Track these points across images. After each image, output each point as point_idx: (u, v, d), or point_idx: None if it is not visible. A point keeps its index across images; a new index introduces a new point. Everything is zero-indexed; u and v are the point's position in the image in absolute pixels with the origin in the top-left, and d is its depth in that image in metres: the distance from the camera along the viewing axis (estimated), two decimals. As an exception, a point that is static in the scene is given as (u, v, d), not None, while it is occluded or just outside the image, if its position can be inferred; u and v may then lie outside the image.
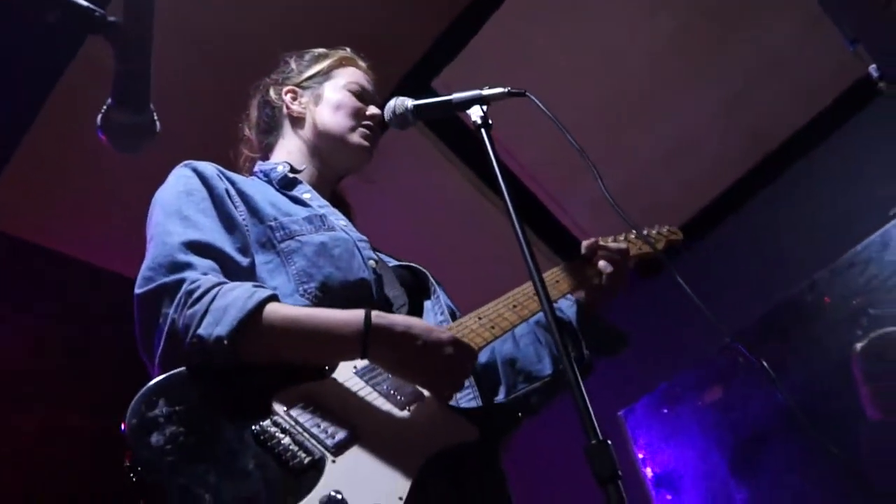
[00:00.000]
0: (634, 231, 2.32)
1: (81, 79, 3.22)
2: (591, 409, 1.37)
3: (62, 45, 3.12)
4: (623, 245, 2.23)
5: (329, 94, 2.18)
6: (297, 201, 1.99)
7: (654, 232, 2.49)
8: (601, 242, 2.20)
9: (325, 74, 2.22)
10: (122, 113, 1.29)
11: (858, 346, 3.65)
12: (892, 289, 3.63)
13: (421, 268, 2.13)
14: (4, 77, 3.17)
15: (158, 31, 1.27)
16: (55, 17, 1.15)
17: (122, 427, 1.36)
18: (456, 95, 1.87)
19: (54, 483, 4.21)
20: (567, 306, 2.14)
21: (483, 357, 2.07)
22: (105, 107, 1.29)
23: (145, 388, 1.44)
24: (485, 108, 1.81)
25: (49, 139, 3.47)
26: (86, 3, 1.18)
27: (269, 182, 2.04)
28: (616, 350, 2.15)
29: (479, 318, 1.85)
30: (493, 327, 1.83)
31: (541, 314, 2.01)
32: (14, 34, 2.75)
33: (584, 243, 2.21)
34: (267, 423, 1.44)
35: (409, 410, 1.60)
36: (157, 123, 1.32)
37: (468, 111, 1.82)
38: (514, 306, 1.92)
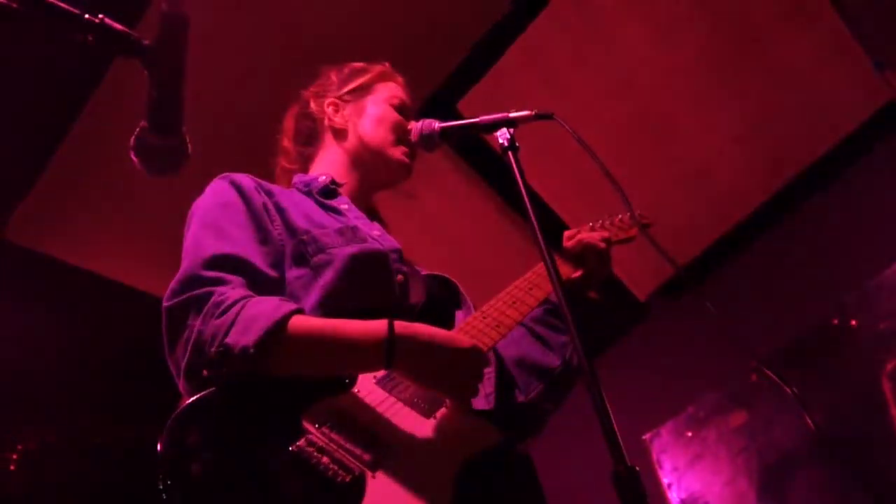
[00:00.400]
0: (607, 221, 2.38)
1: (111, 99, 3.26)
2: (617, 434, 1.36)
3: (95, 65, 3.15)
4: (604, 233, 2.21)
5: (371, 108, 2.17)
6: (334, 211, 1.98)
7: (622, 218, 2.47)
8: (583, 234, 2.19)
9: (367, 88, 2.21)
10: (155, 136, 1.29)
11: (890, 366, 3.62)
12: (921, 313, 3.61)
13: (451, 279, 2.12)
14: (37, 95, 3.21)
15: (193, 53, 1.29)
16: (92, 39, 1.16)
17: (159, 449, 1.36)
18: (483, 118, 1.87)
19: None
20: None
21: (494, 361, 2.06)
22: (138, 129, 1.30)
23: (178, 412, 1.43)
24: (511, 130, 1.81)
25: (78, 158, 3.51)
26: (122, 27, 1.20)
27: (309, 193, 2.03)
28: (614, 323, 2.13)
29: (484, 318, 1.84)
30: (497, 326, 1.82)
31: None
32: (49, 54, 2.78)
33: (567, 235, 2.20)
34: (302, 442, 1.42)
35: (434, 418, 1.59)
36: (189, 146, 1.33)
37: (495, 133, 1.82)
38: (514, 303, 1.91)
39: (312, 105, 2.22)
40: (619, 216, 2.43)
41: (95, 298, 4.14)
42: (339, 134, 2.18)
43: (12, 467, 4.40)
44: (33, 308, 4.04)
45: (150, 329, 1.78)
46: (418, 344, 1.59)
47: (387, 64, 2.29)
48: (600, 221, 2.37)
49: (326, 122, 2.19)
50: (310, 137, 2.22)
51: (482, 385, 1.82)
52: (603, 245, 2.15)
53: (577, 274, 2.13)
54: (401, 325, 1.59)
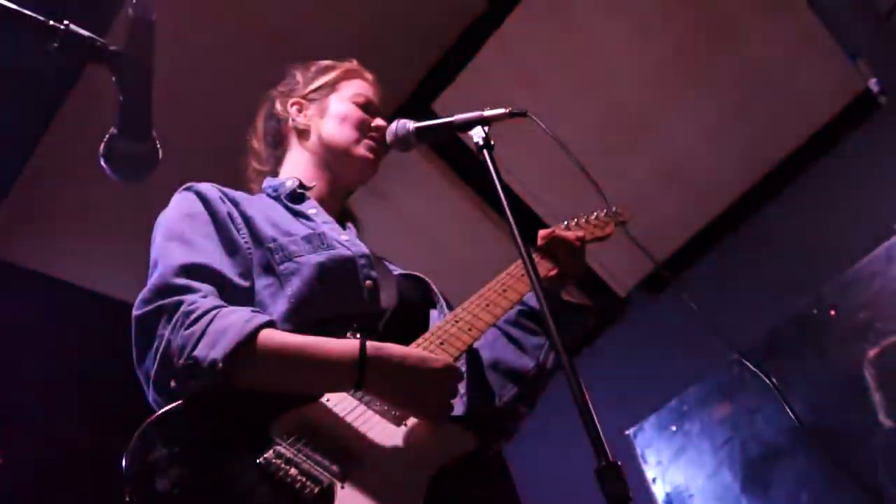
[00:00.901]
0: (584, 220, 2.34)
1: (82, 106, 3.24)
2: (600, 430, 1.36)
3: (63, 73, 3.13)
4: (580, 232, 2.17)
5: (335, 106, 2.16)
6: (302, 216, 1.97)
7: (600, 214, 2.44)
8: (558, 233, 2.14)
9: (332, 86, 2.20)
10: (125, 142, 1.29)
11: (871, 352, 3.64)
12: (900, 302, 3.63)
13: (424, 277, 2.11)
14: (7, 103, 3.18)
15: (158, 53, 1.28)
16: (57, 46, 1.15)
17: (124, 465, 1.34)
18: (457, 117, 1.86)
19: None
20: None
21: (467, 365, 2.05)
22: (107, 136, 1.29)
23: (142, 428, 1.41)
24: (486, 129, 1.80)
25: (50, 166, 3.48)
26: (87, 33, 1.19)
27: (277, 197, 2.02)
28: (590, 324, 2.11)
29: (457, 321, 1.82)
30: (470, 329, 1.80)
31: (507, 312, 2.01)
32: (16, 62, 2.76)
33: (542, 234, 2.15)
34: (270, 454, 1.40)
35: (405, 426, 1.57)
36: (160, 151, 1.33)
37: (470, 132, 1.81)
38: (487, 305, 1.88)
39: (278, 105, 2.22)
40: (596, 213, 2.41)
41: (70, 307, 4.12)
42: (303, 134, 2.17)
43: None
44: (4, 318, 4.01)
45: (120, 334, 1.77)
46: (390, 366, 1.58)
47: (354, 61, 2.28)
48: (575, 220, 2.34)
49: (290, 122, 2.18)
50: (277, 139, 2.21)
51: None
52: (577, 243, 2.12)
53: (552, 272, 2.10)
54: (372, 347, 1.57)
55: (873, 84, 2.35)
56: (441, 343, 1.72)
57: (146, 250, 1.79)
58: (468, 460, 1.58)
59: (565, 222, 2.33)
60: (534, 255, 2.08)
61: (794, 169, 4.26)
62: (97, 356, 3.81)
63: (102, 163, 1.30)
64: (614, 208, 2.40)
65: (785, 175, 4.28)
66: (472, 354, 2.01)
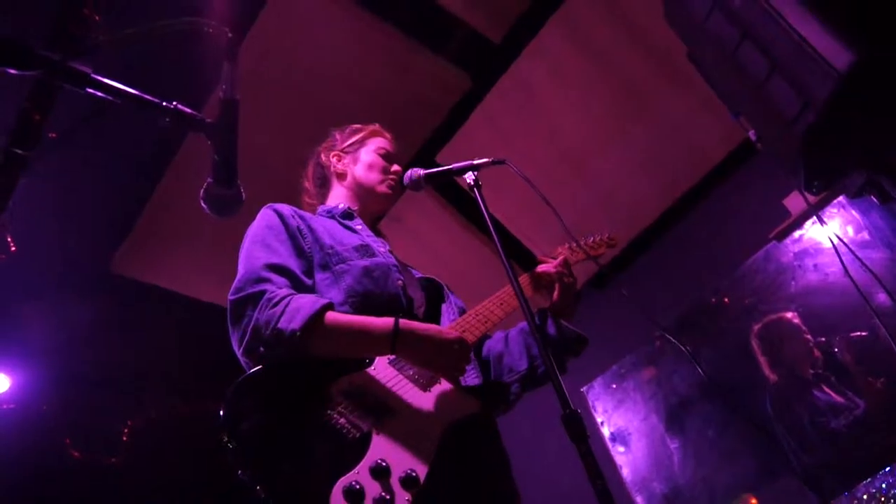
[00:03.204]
0: (578, 243, 2.23)
1: (187, 163, 3.25)
2: (563, 386, 1.36)
3: (174, 138, 3.15)
4: (559, 259, 2.10)
5: (364, 157, 2.16)
6: (351, 230, 1.97)
7: (597, 238, 2.39)
8: (539, 270, 2.09)
9: (361, 142, 2.20)
10: (217, 188, 1.29)
11: (756, 327, 3.64)
12: (775, 290, 3.63)
13: (437, 280, 2.11)
14: (130, 159, 3.19)
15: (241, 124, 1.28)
16: (169, 121, 1.16)
17: (221, 414, 1.35)
18: (454, 165, 1.87)
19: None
20: (549, 324, 2.03)
21: (483, 352, 2.05)
22: (205, 184, 1.30)
23: (234, 385, 1.43)
24: (475, 173, 1.82)
25: (164, 207, 3.49)
26: (190, 111, 1.19)
27: (333, 217, 2.02)
28: (579, 350, 2.03)
29: (477, 315, 1.84)
30: (485, 321, 1.82)
31: (524, 323, 2.00)
32: (140, 129, 2.77)
33: (540, 269, 2.09)
34: (327, 407, 1.42)
35: (430, 391, 1.58)
36: (243, 194, 1.33)
37: (464, 176, 1.83)
38: (501, 304, 1.90)
39: (322, 157, 2.22)
40: (593, 238, 2.37)
41: (178, 311, 4.12)
42: (341, 177, 2.16)
43: (124, 438, 4.36)
44: (134, 322, 4.01)
45: (219, 330, 1.77)
46: (416, 336, 1.60)
47: (377, 124, 2.28)
48: (575, 243, 2.25)
49: (332, 169, 2.18)
50: (323, 180, 2.21)
51: (473, 368, 1.82)
52: (555, 271, 2.05)
53: (548, 303, 2.06)
54: (404, 322, 1.60)
55: (752, 134, 2.34)
56: (463, 331, 1.73)
57: (233, 266, 1.79)
58: (473, 420, 1.59)
59: (568, 245, 2.27)
60: (530, 280, 2.06)
61: (697, 196, 4.26)
62: (200, 345, 3.82)
63: (202, 203, 1.30)
64: (607, 234, 2.39)
65: (691, 199, 4.28)
66: (487, 348, 2.03)
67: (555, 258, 2.12)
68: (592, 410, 4.25)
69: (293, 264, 1.73)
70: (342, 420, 1.41)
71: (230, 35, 1.19)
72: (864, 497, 2.59)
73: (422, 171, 1.93)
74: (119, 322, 3.93)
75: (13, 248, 3.06)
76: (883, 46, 1.46)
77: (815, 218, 3.36)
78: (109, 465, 4.28)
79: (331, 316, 1.57)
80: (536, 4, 3.61)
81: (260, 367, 1.48)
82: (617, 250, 2.53)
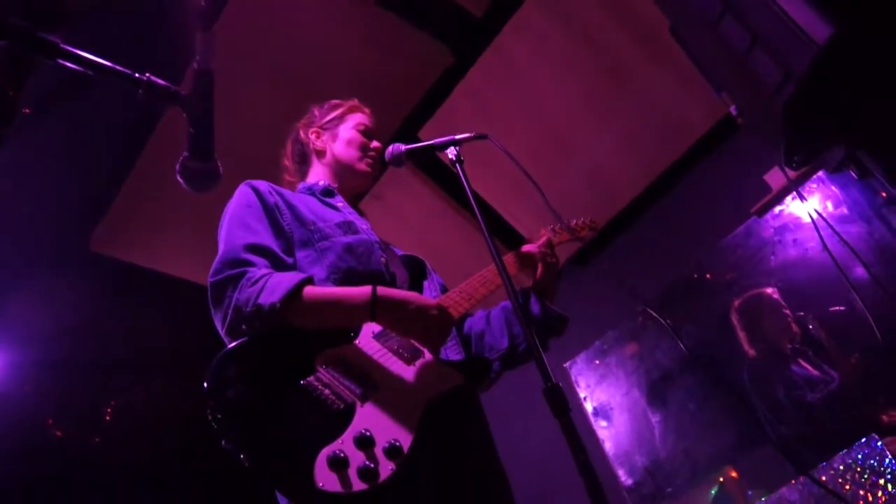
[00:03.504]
0: (562, 224, 2.25)
1: (165, 138, 3.21)
2: (546, 361, 1.37)
3: (152, 113, 3.10)
4: (543, 239, 2.14)
5: (343, 133, 2.13)
6: (333, 207, 1.95)
7: (580, 221, 2.41)
8: (524, 249, 2.12)
9: (340, 118, 2.17)
10: (194, 162, 1.28)
11: (736, 302, 3.68)
12: (755, 265, 3.67)
13: (420, 257, 2.11)
14: (111, 138, 3.15)
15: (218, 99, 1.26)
16: (144, 93, 1.14)
17: (204, 385, 1.36)
18: (436, 140, 1.85)
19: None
20: (532, 302, 2.05)
21: (464, 330, 2.06)
22: (181, 158, 1.28)
23: (219, 355, 1.43)
24: (457, 148, 1.80)
25: (141, 185, 3.45)
26: (164, 82, 1.17)
27: (312, 193, 2.00)
28: (561, 330, 2.04)
29: (460, 292, 1.85)
30: (469, 298, 1.83)
31: (506, 302, 2.02)
32: (114, 105, 2.72)
33: (523, 249, 2.13)
34: (311, 378, 1.43)
35: (414, 365, 1.59)
36: (220, 168, 1.31)
37: (446, 151, 1.81)
38: (483, 282, 1.90)
39: (301, 133, 2.19)
40: (575, 221, 2.37)
41: (158, 290, 4.09)
42: (320, 154, 2.14)
43: (107, 418, 4.35)
44: (115, 301, 3.98)
45: (200, 309, 1.76)
46: (394, 302, 1.60)
47: (355, 100, 2.25)
48: (560, 224, 2.27)
49: (311, 145, 2.15)
50: (302, 157, 2.18)
51: (455, 343, 1.82)
52: (539, 252, 2.08)
53: (530, 282, 2.08)
54: (382, 289, 1.60)
55: (733, 110, 2.35)
56: (447, 306, 1.73)
57: (213, 242, 1.78)
58: (456, 393, 1.59)
59: (552, 226, 2.28)
60: (514, 258, 2.07)
61: (679, 171, 4.28)
62: (171, 327, 3.81)
63: (178, 178, 1.29)
64: (590, 217, 2.39)
65: (673, 176, 4.30)
66: (469, 324, 2.04)
67: (538, 239, 2.13)
68: (575, 386, 4.29)
69: (272, 243, 1.72)
70: (326, 391, 1.41)
71: (202, 3, 1.16)
72: (841, 468, 2.64)
73: (403, 147, 1.91)
74: (100, 301, 3.89)
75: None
76: (862, 19, 1.46)
77: (795, 193, 3.39)
78: (92, 445, 4.27)
79: (310, 289, 1.57)
80: (518, -22, 3.58)
81: (244, 338, 1.48)
82: (600, 223, 2.53)
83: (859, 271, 2.99)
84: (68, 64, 1.04)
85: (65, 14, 0.97)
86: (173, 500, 4.39)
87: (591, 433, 4.12)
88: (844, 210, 3.27)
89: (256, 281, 1.55)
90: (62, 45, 1.00)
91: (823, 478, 2.65)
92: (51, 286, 3.72)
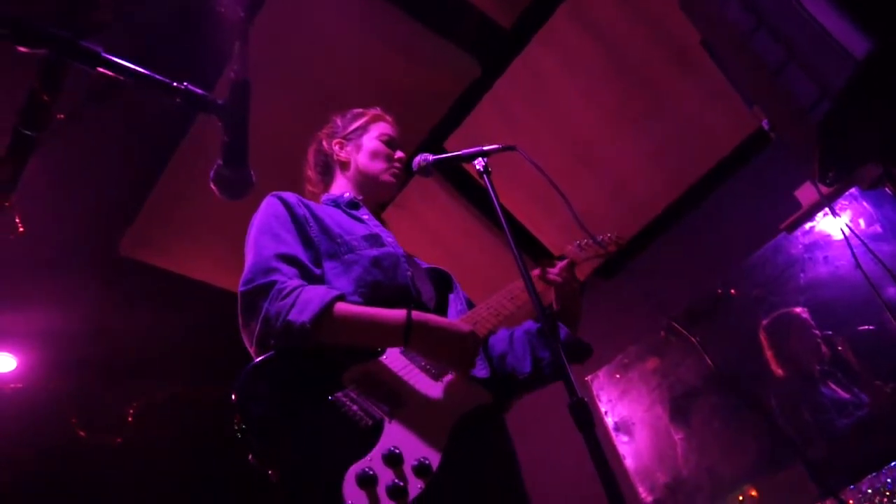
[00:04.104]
0: (589, 238, 2.18)
1: (196, 144, 3.24)
2: (571, 376, 1.36)
3: (184, 119, 3.13)
4: (563, 263, 2.03)
5: (366, 144, 2.12)
6: (358, 220, 1.94)
7: (606, 237, 2.36)
8: (550, 274, 2.01)
9: (364, 128, 2.15)
10: (227, 170, 1.28)
11: (764, 321, 3.63)
12: (784, 282, 3.61)
13: (445, 270, 2.09)
14: (143, 143, 3.19)
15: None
16: (179, 101, 1.15)
17: (233, 397, 1.35)
18: (464, 151, 1.84)
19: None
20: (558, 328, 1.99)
21: (487, 347, 2.03)
22: (215, 166, 1.29)
23: (248, 368, 1.42)
24: (485, 160, 1.79)
25: (172, 190, 3.49)
26: (201, 91, 1.18)
27: (338, 206, 1.99)
28: (582, 360, 1.98)
29: (488, 307, 1.83)
30: (497, 314, 1.81)
31: (529, 324, 2.00)
32: (148, 110, 2.75)
33: (549, 271, 2.03)
34: (340, 394, 1.42)
35: (442, 382, 1.58)
36: (253, 176, 1.32)
37: (473, 163, 1.80)
38: (511, 298, 1.88)
39: (324, 144, 2.17)
40: (601, 237, 2.31)
41: (185, 295, 4.13)
42: (344, 165, 2.12)
43: (129, 419, 4.39)
44: (141, 305, 4.02)
45: (224, 314, 1.76)
46: (428, 329, 1.58)
47: (378, 108, 2.23)
48: (584, 240, 2.22)
49: (335, 157, 2.13)
50: (325, 168, 2.16)
51: (481, 360, 1.81)
52: (559, 279, 1.98)
53: (556, 308, 2.01)
54: (416, 315, 1.58)
55: (765, 124, 2.32)
56: (475, 323, 1.72)
57: (241, 249, 1.78)
58: (483, 411, 1.59)
59: (577, 242, 2.23)
60: (538, 277, 2.00)
61: (707, 186, 4.23)
62: (207, 329, 3.83)
63: (212, 185, 1.29)
64: (616, 233, 2.36)
65: (701, 191, 4.26)
66: (493, 342, 2.01)
67: (562, 258, 2.08)
68: (597, 400, 4.25)
69: (301, 254, 1.71)
70: (355, 407, 1.40)
71: (242, 15, 1.17)
72: (869, 491, 2.58)
73: (430, 157, 1.90)
74: (126, 305, 3.94)
75: (21, 229, 3.07)
76: (902, 35, 1.44)
77: (826, 209, 3.33)
78: (114, 445, 4.31)
79: (341, 307, 1.55)
80: (547, -10, 3.58)
81: (272, 352, 1.47)
82: (626, 238, 2.50)
83: (892, 291, 2.93)
84: (108, 72, 1.06)
85: (102, 24, 0.98)
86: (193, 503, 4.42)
87: (612, 448, 4.07)
88: (878, 228, 3.21)
89: (288, 294, 1.54)
90: (103, 55, 1.02)
91: (851, 501, 2.60)
92: (78, 289, 3.77)
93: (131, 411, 4.38)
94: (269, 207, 1.83)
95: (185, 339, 4.24)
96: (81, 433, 4.23)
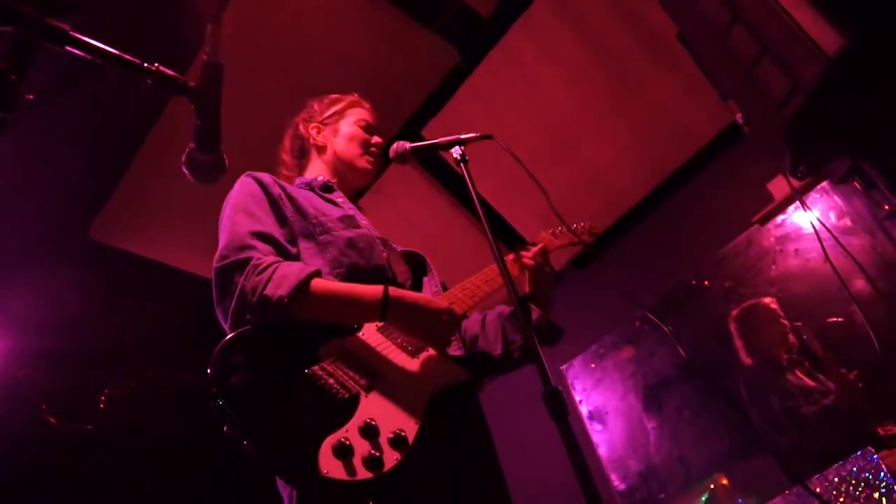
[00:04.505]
0: (563, 227, 2.23)
1: (168, 128, 3.20)
2: (545, 364, 1.37)
3: (155, 102, 3.08)
4: (537, 248, 2.10)
5: (343, 129, 2.12)
6: (332, 203, 1.94)
7: (580, 226, 2.40)
8: (527, 260, 2.07)
9: (341, 113, 2.15)
10: (199, 153, 1.27)
11: (735, 311, 3.68)
12: (755, 274, 3.66)
13: (420, 253, 2.10)
14: (114, 126, 3.14)
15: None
16: (150, 83, 1.13)
17: (209, 371, 1.35)
18: (441, 139, 1.84)
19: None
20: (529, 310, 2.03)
21: (459, 332, 2.04)
22: (187, 149, 1.27)
23: (224, 341, 1.42)
24: (462, 148, 1.79)
25: (144, 173, 3.44)
26: (173, 73, 1.17)
27: (311, 189, 1.98)
28: (554, 341, 2.04)
29: (463, 289, 1.85)
30: (472, 296, 1.83)
31: (501, 308, 2.04)
32: (120, 93, 2.71)
33: (523, 255, 2.09)
34: (316, 367, 1.42)
35: (418, 358, 1.59)
36: (226, 160, 1.31)
37: (450, 150, 1.80)
38: (486, 280, 1.91)
39: (301, 128, 2.16)
40: (576, 225, 2.34)
41: (157, 280, 4.09)
42: (321, 150, 2.12)
43: (101, 406, 4.34)
44: (112, 291, 3.97)
45: (199, 300, 1.75)
46: (405, 304, 1.60)
47: (356, 94, 2.23)
48: (560, 228, 2.25)
49: (311, 141, 2.13)
50: (301, 152, 2.16)
51: (456, 340, 1.82)
52: (532, 262, 2.04)
53: (527, 290, 2.06)
54: (393, 290, 1.59)
55: (739, 118, 2.35)
56: (451, 303, 1.73)
57: (212, 235, 1.77)
58: (458, 387, 1.60)
59: (552, 230, 2.26)
60: (514, 262, 2.05)
61: (681, 178, 4.28)
62: (178, 314, 3.80)
63: (184, 169, 1.28)
64: (589, 223, 2.38)
65: (675, 182, 4.31)
66: (466, 325, 2.03)
67: (535, 244, 2.11)
68: (571, 389, 4.29)
69: (276, 232, 1.71)
70: (331, 380, 1.41)
71: (215, -5, 1.16)
72: (836, 480, 2.64)
73: (408, 145, 1.90)
74: (98, 290, 3.88)
75: (-12, 213, 3.01)
76: (873, 31, 1.46)
77: (798, 203, 3.38)
78: (85, 433, 4.27)
79: (318, 282, 1.55)
80: (527, -22, 3.58)
81: (248, 326, 1.47)
82: (600, 229, 2.52)
83: (860, 284, 2.99)
84: (77, 51, 1.04)
85: (76, 3, 0.96)
86: (167, 491, 4.39)
87: (586, 437, 4.12)
88: (848, 221, 3.27)
89: (265, 269, 1.53)
90: (71, 33, 1.00)
91: (818, 489, 2.66)
92: (48, 275, 3.71)
93: (102, 398, 4.33)
94: (243, 186, 1.82)
95: (161, 326, 4.20)
96: (51, 420, 4.17)
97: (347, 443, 1.30)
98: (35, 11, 0.95)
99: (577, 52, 3.83)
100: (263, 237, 1.66)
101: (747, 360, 3.57)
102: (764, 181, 3.56)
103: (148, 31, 2.62)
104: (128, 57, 1.10)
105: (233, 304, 1.52)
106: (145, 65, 1.13)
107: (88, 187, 3.50)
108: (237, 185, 1.84)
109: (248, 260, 1.56)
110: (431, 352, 1.62)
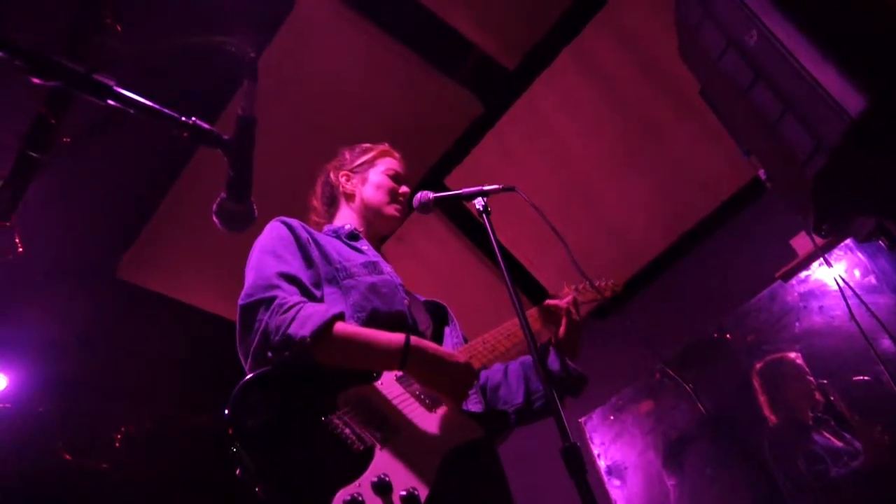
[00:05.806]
0: (589, 283, 2.25)
1: (196, 176, 3.27)
2: (564, 419, 1.36)
3: (184, 151, 3.16)
4: (570, 297, 2.12)
5: (372, 178, 2.16)
6: (358, 250, 1.96)
7: (603, 283, 2.43)
8: (553, 303, 2.10)
9: (370, 162, 2.19)
10: (230, 204, 1.29)
11: (758, 365, 3.62)
12: (779, 330, 3.61)
13: (442, 303, 2.11)
14: (141, 167, 3.21)
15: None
16: (187, 136, 1.17)
17: (226, 411, 1.35)
18: (464, 190, 1.87)
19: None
20: (552, 358, 2.03)
21: (480, 382, 2.03)
22: (219, 199, 1.30)
23: (242, 382, 1.42)
24: (485, 199, 1.82)
25: (172, 219, 3.50)
26: (208, 126, 1.20)
27: (338, 237, 2.01)
28: (579, 390, 2.01)
29: (484, 342, 1.84)
30: (492, 350, 1.82)
31: (525, 357, 2.02)
32: (149, 138, 2.78)
33: (548, 303, 2.11)
34: (333, 416, 1.42)
35: (435, 412, 1.58)
36: (256, 211, 1.33)
37: (473, 202, 1.83)
38: (508, 335, 1.90)
39: (331, 176, 2.21)
40: (600, 281, 2.37)
41: (181, 320, 4.12)
42: (350, 197, 2.16)
43: (117, 445, 4.34)
44: (136, 329, 4.01)
45: (219, 340, 1.76)
46: (425, 355, 1.59)
47: (386, 144, 2.28)
48: (583, 284, 2.27)
49: (340, 188, 2.17)
50: (331, 199, 2.20)
51: (475, 394, 1.81)
52: (564, 307, 2.06)
53: (553, 339, 2.05)
54: (415, 340, 1.59)
55: (761, 174, 2.36)
56: (471, 356, 1.74)
57: (238, 279, 1.79)
58: (475, 445, 1.58)
59: (574, 286, 2.27)
60: (537, 312, 2.06)
61: (703, 232, 4.26)
62: (200, 356, 3.82)
63: (214, 218, 1.31)
64: (612, 281, 2.39)
65: (696, 236, 4.28)
66: (487, 375, 2.03)
67: (563, 296, 2.12)
68: (590, 442, 4.21)
69: (303, 275, 1.73)
70: (347, 430, 1.40)
71: (252, 55, 1.20)
72: (862, 544, 2.55)
73: (431, 195, 1.94)
74: (121, 328, 3.93)
75: (20, 249, 3.07)
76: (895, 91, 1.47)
77: (821, 259, 3.35)
78: (100, 471, 4.26)
79: (341, 326, 1.56)
80: (552, 34, 3.65)
81: (268, 368, 1.47)
82: (622, 286, 2.52)
83: (886, 343, 2.93)
84: (118, 105, 1.08)
85: (116, 59, 1.01)
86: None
87: (604, 492, 4.02)
88: (873, 280, 3.23)
89: (289, 308, 1.54)
90: (115, 88, 1.04)
91: (845, 555, 2.56)
92: (75, 310, 3.76)
93: (119, 437, 4.33)
94: (273, 230, 1.85)
95: (181, 366, 4.22)
96: (67, 456, 4.18)
97: (360, 499, 1.29)
98: (83, 68, 0.99)
99: (598, 104, 3.88)
100: (290, 278, 1.68)
101: (771, 417, 3.49)
102: (787, 237, 3.53)
103: (181, 80, 2.70)
104: (166, 111, 1.14)
105: (255, 341, 1.53)
106: (182, 118, 1.17)
107: (118, 227, 3.57)
108: (267, 229, 1.87)
109: (274, 299, 1.58)
110: (449, 407, 1.61)
